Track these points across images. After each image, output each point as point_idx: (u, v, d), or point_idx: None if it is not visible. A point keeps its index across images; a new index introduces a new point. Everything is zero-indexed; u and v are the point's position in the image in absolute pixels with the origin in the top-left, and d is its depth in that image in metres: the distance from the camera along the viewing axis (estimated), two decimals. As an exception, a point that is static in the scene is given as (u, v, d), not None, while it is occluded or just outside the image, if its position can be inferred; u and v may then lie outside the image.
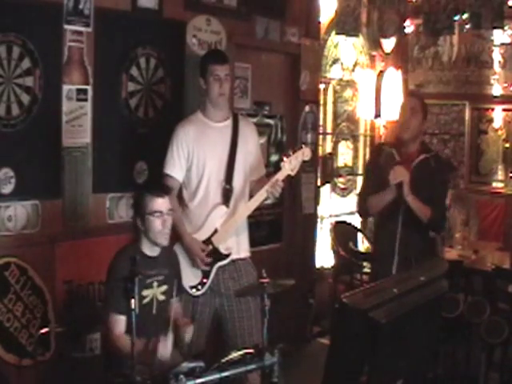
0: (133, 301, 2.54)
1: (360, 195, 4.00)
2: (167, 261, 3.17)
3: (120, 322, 2.92)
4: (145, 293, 3.03)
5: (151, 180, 3.95)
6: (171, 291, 3.15)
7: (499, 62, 6.95)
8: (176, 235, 3.37)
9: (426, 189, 3.62)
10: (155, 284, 3.07)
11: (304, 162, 3.46)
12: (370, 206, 3.76)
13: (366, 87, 6.68)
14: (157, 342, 2.82)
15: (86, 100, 3.78)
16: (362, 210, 3.95)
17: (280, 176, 3.36)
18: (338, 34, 6.10)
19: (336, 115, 6.65)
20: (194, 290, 3.46)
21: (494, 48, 6.97)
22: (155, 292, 3.07)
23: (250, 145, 3.59)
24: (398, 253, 3.62)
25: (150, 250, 3.07)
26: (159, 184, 3.30)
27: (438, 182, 3.78)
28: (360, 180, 7.08)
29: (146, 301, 3.03)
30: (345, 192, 6.82)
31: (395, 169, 3.58)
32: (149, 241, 3.05)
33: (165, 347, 2.80)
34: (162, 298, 3.11)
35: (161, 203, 3.01)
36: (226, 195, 3.47)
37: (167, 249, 3.18)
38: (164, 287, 3.11)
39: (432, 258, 3.61)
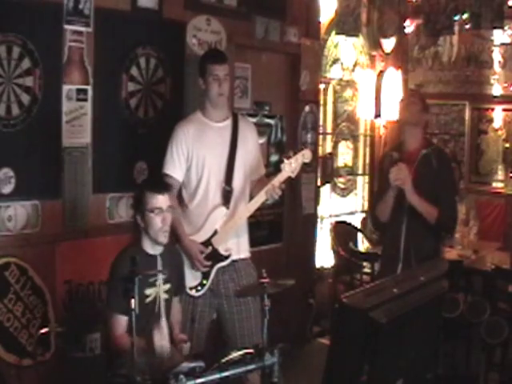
0: (133, 301, 2.54)
1: (371, 207, 3.91)
2: (170, 260, 3.16)
3: (121, 322, 2.92)
4: (148, 291, 3.02)
5: (151, 177, 3.95)
6: (174, 290, 3.15)
7: (499, 62, 6.95)
8: (175, 237, 3.37)
9: (430, 188, 3.52)
10: (158, 283, 3.06)
11: (304, 164, 3.45)
12: (378, 213, 3.67)
13: (366, 87, 6.68)
14: (152, 333, 2.81)
15: (85, 100, 3.78)
16: (373, 219, 3.80)
17: (280, 178, 3.33)
18: (337, 33, 6.11)
19: (336, 115, 6.65)
20: (193, 290, 3.45)
21: (493, 48, 6.96)
22: (159, 291, 3.07)
23: (250, 145, 3.58)
24: (403, 259, 3.54)
25: (151, 249, 3.07)
26: (159, 181, 3.30)
27: (442, 181, 3.60)
28: (360, 180, 7.09)
29: (149, 299, 3.03)
30: (345, 192, 6.82)
31: (396, 167, 3.48)
32: (149, 239, 3.05)
33: (161, 336, 2.81)
34: (165, 296, 3.10)
35: (161, 200, 3.01)
36: (226, 196, 3.46)
37: (170, 248, 3.18)
38: (167, 286, 3.11)
39: (432, 259, 3.60)
